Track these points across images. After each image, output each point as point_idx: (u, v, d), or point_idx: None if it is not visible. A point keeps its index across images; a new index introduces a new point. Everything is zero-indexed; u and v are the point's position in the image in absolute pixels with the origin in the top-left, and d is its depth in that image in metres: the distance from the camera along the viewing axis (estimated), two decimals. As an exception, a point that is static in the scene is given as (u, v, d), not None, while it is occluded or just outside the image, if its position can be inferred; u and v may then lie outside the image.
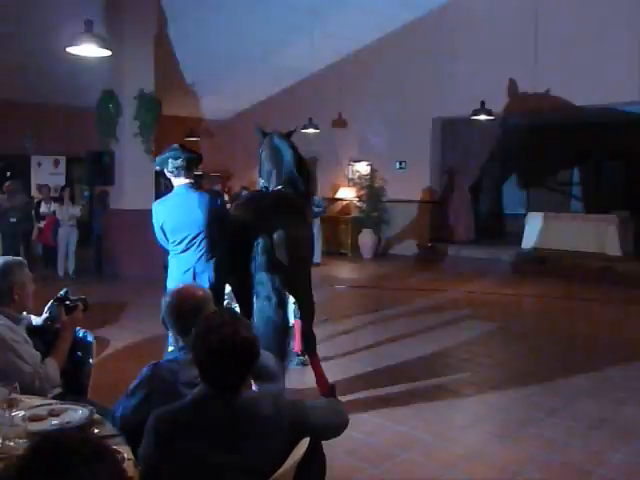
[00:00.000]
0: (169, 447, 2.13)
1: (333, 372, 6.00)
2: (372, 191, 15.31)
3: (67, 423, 2.49)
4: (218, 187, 14.19)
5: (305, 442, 2.25)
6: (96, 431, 2.44)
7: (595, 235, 13.04)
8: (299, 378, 5.63)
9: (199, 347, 2.21)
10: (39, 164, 14.56)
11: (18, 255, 10.77)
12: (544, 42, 12.39)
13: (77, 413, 2.60)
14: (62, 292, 3.44)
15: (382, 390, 5.63)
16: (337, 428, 2.49)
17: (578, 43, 12.01)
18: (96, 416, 2.58)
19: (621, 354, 6.91)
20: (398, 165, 15.28)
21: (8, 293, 3.15)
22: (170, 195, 4.70)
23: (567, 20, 12.11)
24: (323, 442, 2.51)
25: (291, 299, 6.00)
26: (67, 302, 3.40)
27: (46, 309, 3.46)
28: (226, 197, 14.20)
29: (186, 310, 2.70)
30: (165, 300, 2.79)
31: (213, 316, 2.34)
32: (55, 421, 2.51)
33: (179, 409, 2.21)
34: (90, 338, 3.69)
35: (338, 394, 5.02)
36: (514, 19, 12.59)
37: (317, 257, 13.62)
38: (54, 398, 3.05)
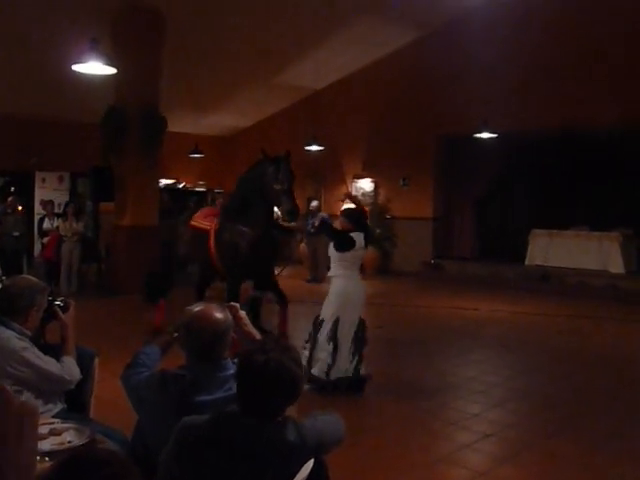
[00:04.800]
0: (189, 458, 2.15)
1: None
2: (376, 208, 15.31)
3: (69, 442, 2.48)
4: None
5: (310, 463, 2.23)
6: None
7: (599, 252, 13.02)
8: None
9: (243, 364, 2.23)
10: (43, 180, 14.59)
11: (21, 271, 10.84)
12: (545, 59, 12.47)
13: (78, 432, 2.58)
14: (49, 298, 3.43)
15: (383, 408, 5.60)
16: (340, 441, 2.49)
17: (582, 59, 12.09)
18: (97, 435, 2.57)
19: (626, 372, 6.88)
20: (402, 182, 15.29)
21: (24, 312, 3.18)
22: None
23: (568, 38, 12.17)
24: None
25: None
26: (57, 303, 3.40)
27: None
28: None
29: (205, 334, 2.58)
30: (183, 319, 2.66)
31: (268, 340, 2.34)
32: (56, 440, 2.50)
33: (207, 423, 2.21)
34: (93, 355, 3.68)
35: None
36: (514, 37, 12.65)
37: (322, 273, 13.60)
38: (56, 416, 3.04)
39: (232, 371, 2.57)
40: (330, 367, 5.79)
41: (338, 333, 5.84)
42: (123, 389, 2.77)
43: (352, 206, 6.80)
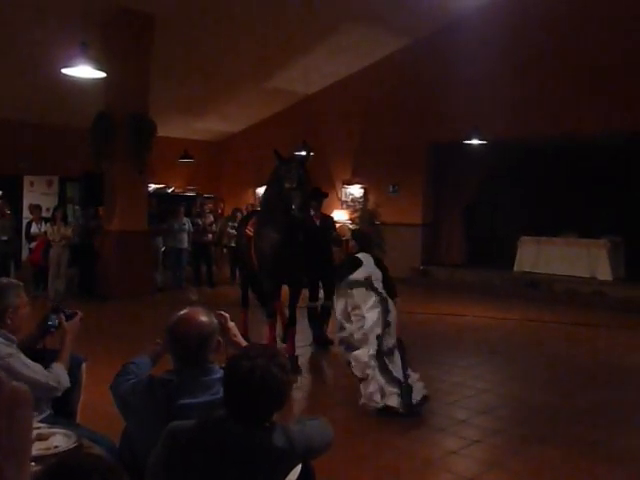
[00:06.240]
0: (177, 463, 2.15)
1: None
2: (365, 214, 15.33)
3: (55, 447, 2.46)
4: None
5: (298, 468, 2.23)
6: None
7: (587, 259, 13.07)
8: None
9: (230, 370, 2.23)
10: (32, 184, 14.53)
11: (9, 275, 10.77)
12: (535, 67, 12.55)
13: (65, 437, 2.57)
14: (56, 304, 3.44)
15: (370, 414, 5.58)
16: (328, 446, 2.49)
17: (572, 67, 12.18)
18: (85, 440, 2.56)
19: (613, 379, 6.91)
20: (391, 188, 15.33)
21: (1, 315, 3.12)
22: None
23: (559, 44, 12.26)
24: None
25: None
26: (64, 311, 3.39)
27: (45, 320, 3.42)
28: (211, 218, 14.31)
29: (189, 338, 2.58)
30: (168, 323, 2.66)
31: (254, 346, 2.34)
32: (42, 445, 2.49)
33: (195, 427, 2.21)
34: (80, 361, 3.66)
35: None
36: (505, 44, 12.72)
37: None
38: (43, 421, 3.03)
39: (218, 375, 2.57)
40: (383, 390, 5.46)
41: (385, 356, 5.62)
42: (112, 398, 2.76)
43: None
